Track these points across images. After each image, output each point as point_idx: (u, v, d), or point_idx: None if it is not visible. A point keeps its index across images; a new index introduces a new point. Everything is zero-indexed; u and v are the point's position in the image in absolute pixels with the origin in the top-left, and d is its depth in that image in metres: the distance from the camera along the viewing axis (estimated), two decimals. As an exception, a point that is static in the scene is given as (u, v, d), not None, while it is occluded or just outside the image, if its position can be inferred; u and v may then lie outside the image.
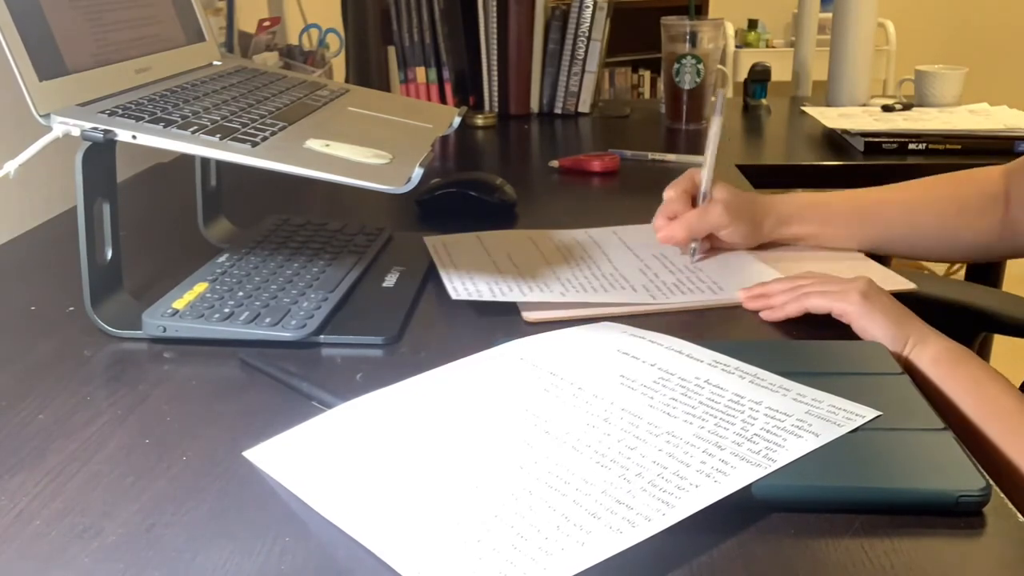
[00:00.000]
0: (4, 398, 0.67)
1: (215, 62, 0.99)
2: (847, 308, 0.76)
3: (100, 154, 0.73)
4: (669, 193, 0.94)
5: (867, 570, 0.48)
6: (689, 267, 0.92)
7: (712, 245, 0.95)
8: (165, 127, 0.73)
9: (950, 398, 0.69)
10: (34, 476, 0.57)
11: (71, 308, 0.81)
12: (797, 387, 0.63)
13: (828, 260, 0.93)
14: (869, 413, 0.60)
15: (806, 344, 0.75)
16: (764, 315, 0.81)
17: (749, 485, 0.52)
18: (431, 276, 0.90)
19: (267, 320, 0.75)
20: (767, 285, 0.83)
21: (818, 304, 0.78)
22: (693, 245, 0.93)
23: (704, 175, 0.93)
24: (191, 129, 0.73)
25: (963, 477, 0.53)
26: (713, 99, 0.95)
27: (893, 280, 0.86)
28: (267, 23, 1.69)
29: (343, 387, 0.66)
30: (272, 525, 0.52)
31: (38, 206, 1.08)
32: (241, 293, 0.80)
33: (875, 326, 0.74)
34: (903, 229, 0.96)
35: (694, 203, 0.94)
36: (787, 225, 0.96)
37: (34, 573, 0.49)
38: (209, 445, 0.60)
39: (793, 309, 0.79)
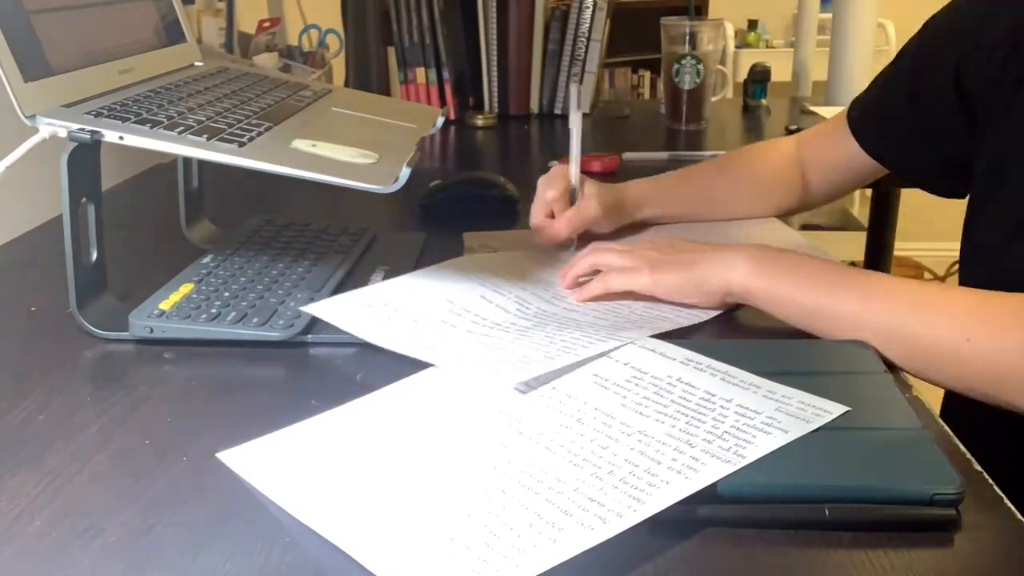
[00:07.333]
0: (4, 398, 0.67)
1: (196, 63, 0.99)
2: (642, 284, 0.80)
3: (85, 155, 0.73)
4: (551, 193, 0.96)
5: (867, 570, 0.48)
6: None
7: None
8: (152, 128, 0.73)
9: (787, 296, 0.74)
10: (34, 476, 0.57)
11: (71, 309, 0.82)
12: (767, 384, 0.63)
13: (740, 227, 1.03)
14: (837, 409, 0.60)
15: (789, 344, 0.74)
16: (574, 295, 0.84)
17: (734, 486, 0.53)
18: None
19: (254, 320, 0.76)
20: (573, 263, 0.86)
21: (619, 284, 0.81)
22: (573, 241, 0.97)
23: (573, 172, 0.97)
24: (178, 130, 0.73)
25: (938, 476, 0.53)
26: (577, 89, 0.98)
27: (795, 243, 0.94)
28: (267, 24, 1.70)
29: (340, 386, 0.67)
30: (272, 525, 0.52)
31: (41, 206, 1.08)
32: (227, 294, 0.80)
33: (674, 285, 0.79)
34: (725, 199, 1.07)
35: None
36: (640, 209, 1.03)
37: (34, 573, 0.49)
38: (209, 445, 0.60)
39: (596, 289, 0.82)
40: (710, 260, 0.78)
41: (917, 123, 0.92)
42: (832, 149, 1.03)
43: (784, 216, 1.08)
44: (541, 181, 0.99)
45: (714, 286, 0.77)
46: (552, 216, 0.97)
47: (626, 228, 1.02)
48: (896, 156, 0.97)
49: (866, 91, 1.01)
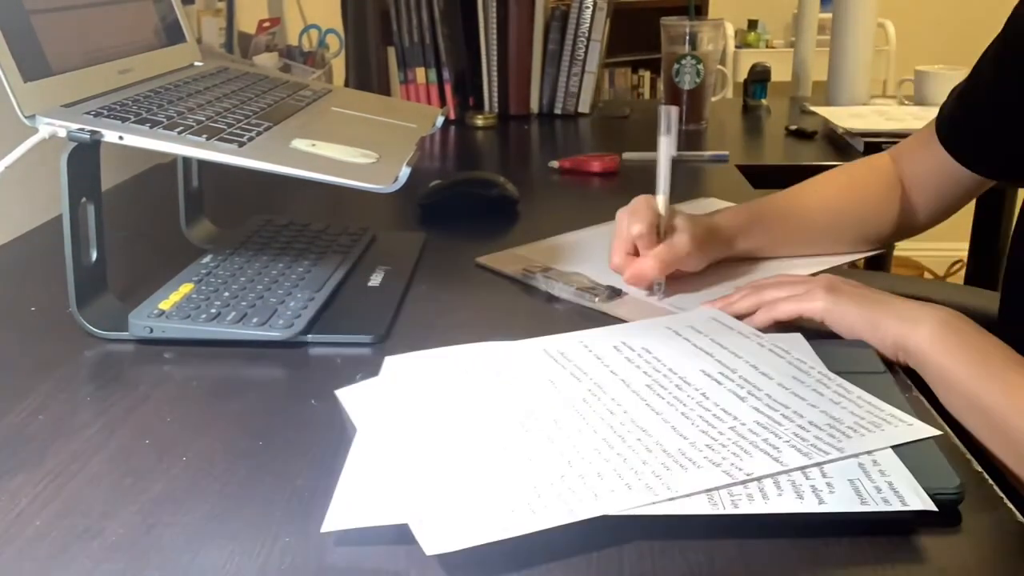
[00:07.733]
0: (4, 398, 0.68)
1: (196, 63, 0.99)
2: (815, 307, 0.73)
3: (85, 155, 0.73)
4: (637, 228, 0.84)
5: (867, 570, 0.48)
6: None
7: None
8: (151, 128, 0.73)
9: (955, 378, 0.65)
10: (34, 476, 0.57)
11: (71, 309, 0.82)
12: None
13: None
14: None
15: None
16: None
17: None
18: (417, 275, 0.91)
19: (254, 320, 0.76)
20: (728, 296, 0.79)
21: (786, 311, 0.75)
22: (660, 282, 0.85)
23: (661, 203, 0.86)
24: (177, 129, 0.73)
25: (938, 476, 0.53)
26: (667, 111, 0.85)
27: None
28: (267, 24, 1.70)
29: (340, 386, 0.67)
30: (272, 525, 0.52)
31: (40, 206, 1.08)
32: (227, 293, 0.80)
33: (850, 316, 0.72)
34: (830, 235, 0.97)
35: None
36: (732, 244, 0.91)
37: (34, 573, 0.49)
38: (209, 445, 0.60)
39: (761, 320, 0.76)
40: (896, 307, 0.71)
41: (1006, 127, 0.86)
42: (929, 163, 0.94)
43: (889, 243, 1.00)
44: (622, 214, 0.87)
45: (890, 334, 0.70)
46: (636, 254, 0.85)
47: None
48: (995, 165, 0.90)
49: (950, 100, 0.94)
